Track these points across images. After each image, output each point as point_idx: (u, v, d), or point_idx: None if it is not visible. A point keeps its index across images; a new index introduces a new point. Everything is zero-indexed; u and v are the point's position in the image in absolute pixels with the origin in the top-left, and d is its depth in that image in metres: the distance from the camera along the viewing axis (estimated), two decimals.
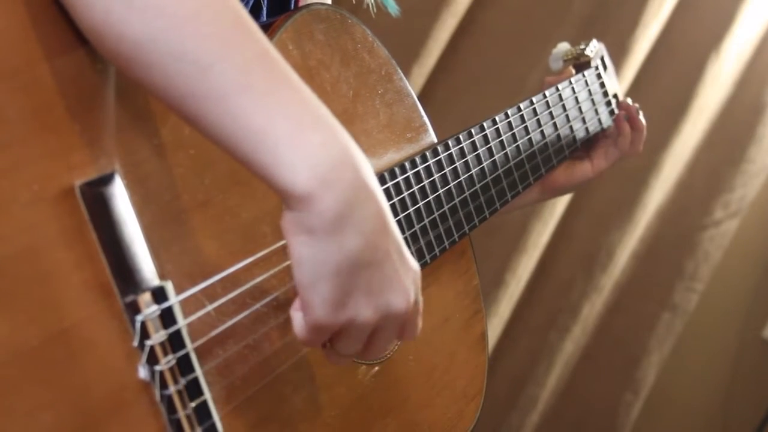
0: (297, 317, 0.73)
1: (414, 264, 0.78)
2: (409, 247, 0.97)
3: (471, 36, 2.04)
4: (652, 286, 2.31)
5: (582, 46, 1.30)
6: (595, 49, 1.30)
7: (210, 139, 0.69)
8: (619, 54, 2.07)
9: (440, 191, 1.02)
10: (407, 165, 0.98)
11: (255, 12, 1.01)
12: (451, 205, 1.03)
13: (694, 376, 2.42)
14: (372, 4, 1.12)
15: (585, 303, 2.24)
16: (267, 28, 0.88)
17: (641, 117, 1.29)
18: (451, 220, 1.03)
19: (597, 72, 1.31)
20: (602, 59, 1.33)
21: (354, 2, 1.11)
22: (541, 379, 2.25)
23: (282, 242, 0.82)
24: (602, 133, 1.30)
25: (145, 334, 0.69)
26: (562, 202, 2.17)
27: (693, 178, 2.30)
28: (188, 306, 0.73)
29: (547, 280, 2.23)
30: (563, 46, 1.31)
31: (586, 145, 1.28)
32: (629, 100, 1.32)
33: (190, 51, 0.66)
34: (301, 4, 1.07)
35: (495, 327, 2.15)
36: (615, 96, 1.34)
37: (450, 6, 1.95)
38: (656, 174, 2.21)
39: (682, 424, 2.43)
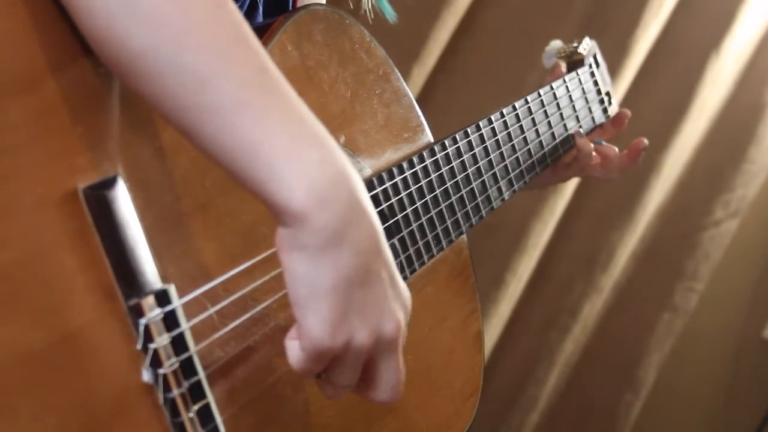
0: (292, 346, 0.71)
1: (405, 290, 0.76)
2: (407, 249, 0.97)
3: (471, 36, 2.05)
4: (652, 286, 2.31)
5: (575, 44, 1.30)
6: (587, 47, 1.31)
7: (206, 153, 0.69)
8: (619, 54, 2.07)
9: (437, 191, 1.02)
10: (405, 165, 0.98)
11: (251, 12, 1.01)
12: (447, 203, 1.03)
13: (694, 376, 2.42)
14: (369, 10, 1.12)
15: (585, 303, 2.24)
16: (266, 29, 0.88)
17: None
18: (449, 219, 1.03)
19: (590, 70, 1.31)
20: (595, 57, 1.34)
21: (352, 7, 1.11)
22: (542, 378, 2.25)
23: None
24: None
25: (148, 338, 0.69)
26: (562, 202, 2.17)
27: (693, 178, 2.31)
28: (190, 309, 0.73)
29: (547, 280, 2.23)
30: (556, 44, 1.32)
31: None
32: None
33: (189, 63, 0.65)
34: (299, 4, 1.07)
35: (495, 327, 2.16)
36: (608, 94, 1.34)
37: (450, 6, 1.96)
38: (656, 174, 2.22)
39: (683, 424, 2.43)
